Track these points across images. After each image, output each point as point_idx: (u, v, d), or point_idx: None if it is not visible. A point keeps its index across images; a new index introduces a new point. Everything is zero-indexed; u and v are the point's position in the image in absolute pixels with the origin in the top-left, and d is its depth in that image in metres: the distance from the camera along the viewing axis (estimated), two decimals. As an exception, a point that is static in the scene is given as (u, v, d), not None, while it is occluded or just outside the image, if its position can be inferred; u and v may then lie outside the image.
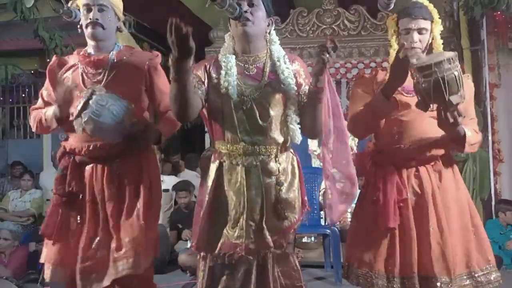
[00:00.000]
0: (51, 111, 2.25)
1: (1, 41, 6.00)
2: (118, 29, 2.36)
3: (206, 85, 1.91)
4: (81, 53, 2.34)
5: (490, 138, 5.10)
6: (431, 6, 2.22)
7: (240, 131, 1.85)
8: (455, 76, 1.93)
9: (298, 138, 1.92)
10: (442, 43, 2.21)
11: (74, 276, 2.19)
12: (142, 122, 2.26)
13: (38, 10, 4.67)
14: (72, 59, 2.38)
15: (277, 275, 1.87)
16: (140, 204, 2.24)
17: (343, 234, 4.62)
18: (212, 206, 1.90)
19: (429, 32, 2.18)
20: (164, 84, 2.33)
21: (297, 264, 1.94)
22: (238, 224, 1.84)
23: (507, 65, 5.20)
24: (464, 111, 2.07)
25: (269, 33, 1.94)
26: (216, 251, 1.84)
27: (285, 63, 1.89)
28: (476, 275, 2.08)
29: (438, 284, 2.01)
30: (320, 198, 4.56)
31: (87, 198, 2.26)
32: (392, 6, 1.87)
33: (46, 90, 2.42)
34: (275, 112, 1.86)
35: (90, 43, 2.31)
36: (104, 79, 2.24)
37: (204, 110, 1.97)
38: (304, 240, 5.17)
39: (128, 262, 2.17)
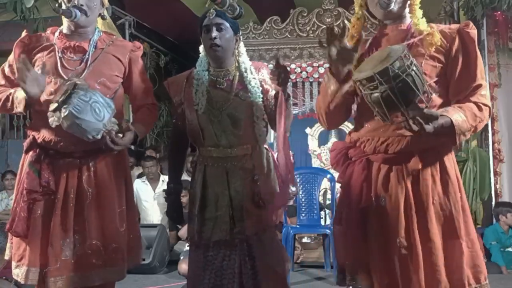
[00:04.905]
0: (22, 93, 2.00)
1: (0, 41, 5.99)
2: (101, 16, 2.20)
3: (182, 102, 2.09)
4: (57, 35, 2.15)
5: (490, 138, 5.11)
6: None
7: (217, 138, 2.04)
8: (410, 81, 1.50)
9: (265, 140, 2.13)
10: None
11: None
12: (121, 124, 2.06)
13: (38, 10, 4.67)
14: (45, 38, 2.16)
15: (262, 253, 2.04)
16: (119, 208, 2.12)
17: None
18: (201, 206, 2.06)
19: None
20: (142, 77, 2.25)
21: (280, 244, 2.20)
22: (224, 218, 2.02)
23: (507, 65, 5.20)
24: (463, 73, 1.73)
25: (237, 47, 2.11)
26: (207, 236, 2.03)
27: (251, 73, 2.08)
28: None
29: None
30: (320, 198, 4.57)
31: (59, 196, 2.05)
32: (392, 5, 1.86)
33: (9, 67, 2.18)
34: (246, 117, 2.05)
35: (70, 27, 2.14)
36: (86, 68, 2.08)
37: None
38: (304, 240, 5.16)
39: (106, 271, 2.04)
